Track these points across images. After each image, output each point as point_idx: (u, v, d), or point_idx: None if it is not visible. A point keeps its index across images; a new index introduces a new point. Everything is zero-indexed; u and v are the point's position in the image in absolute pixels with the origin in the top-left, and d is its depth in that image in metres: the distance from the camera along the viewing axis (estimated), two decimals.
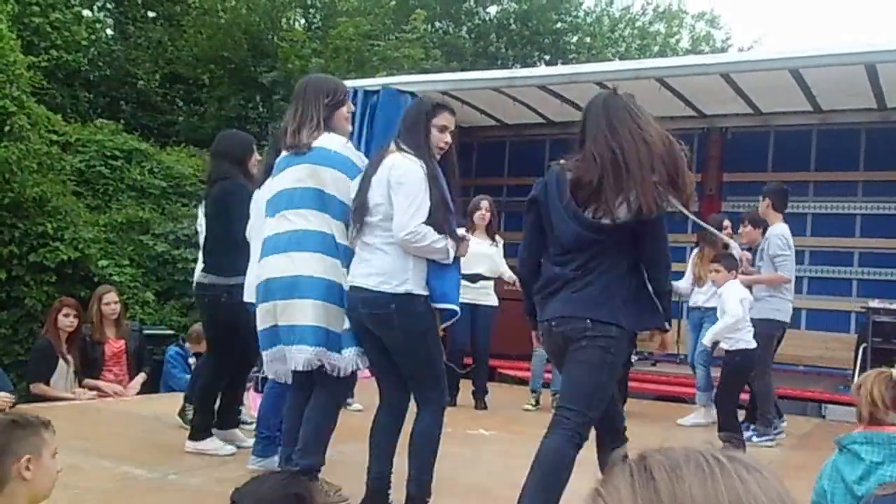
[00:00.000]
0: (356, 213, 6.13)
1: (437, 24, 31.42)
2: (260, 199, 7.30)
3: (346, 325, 6.35)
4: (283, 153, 6.61)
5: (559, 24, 31.87)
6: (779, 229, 10.56)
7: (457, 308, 6.32)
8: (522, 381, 13.77)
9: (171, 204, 18.73)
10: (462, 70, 28.35)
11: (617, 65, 19.11)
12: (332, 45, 23.02)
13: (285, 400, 7.04)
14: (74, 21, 21.32)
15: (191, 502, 6.63)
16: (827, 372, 14.26)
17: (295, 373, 6.51)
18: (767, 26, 78.58)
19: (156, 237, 17.28)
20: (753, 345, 9.87)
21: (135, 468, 6.98)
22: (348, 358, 6.37)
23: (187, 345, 12.34)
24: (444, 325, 6.40)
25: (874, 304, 13.45)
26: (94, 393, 10.90)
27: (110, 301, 11.42)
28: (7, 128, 14.33)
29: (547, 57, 32.73)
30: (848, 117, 15.17)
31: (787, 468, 8.93)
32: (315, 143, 6.42)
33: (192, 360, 12.11)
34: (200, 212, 9.03)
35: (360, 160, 6.58)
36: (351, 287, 6.18)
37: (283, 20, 25.79)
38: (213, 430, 8.26)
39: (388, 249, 6.01)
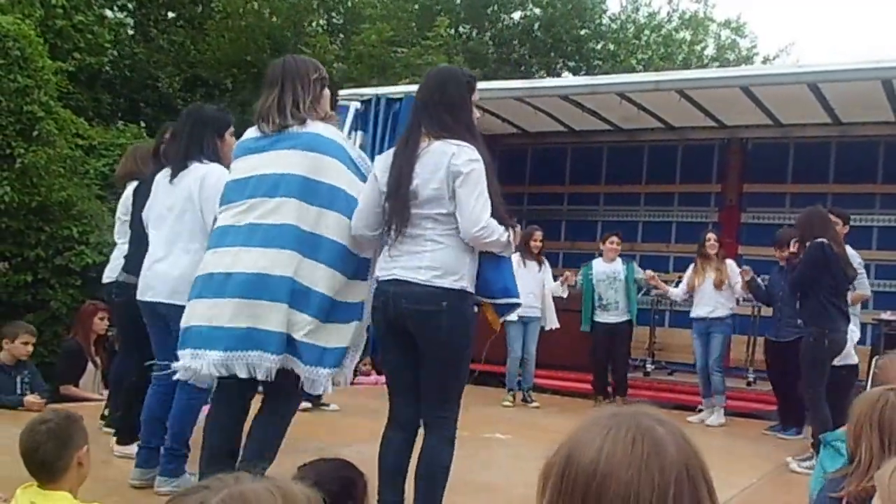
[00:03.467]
0: (398, 205, 5.62)
1: (461, 28, 31.61)
2: (158, 189, 7.21)
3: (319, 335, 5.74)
4: (257, 133, 6.02)
5: (583, 31, 32.04)
6: (851, 250, 11.13)
7: (521, 301, 6.21)
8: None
9: None
10: (484, 76, 28.66)
11: (638, 76, 19.41)
12: (356, 52, 23.28)
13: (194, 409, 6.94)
14: (97, 23, 21.60)
15: None
16: None
17: (225, 384, 5.82)
18: (796, 34, 78.76)
19: None
20: (857, 360, 10.85)
21: None
22: (324, 374, 5.76)
23: None
24: (502, 319, 6.17)
25: (886, 315, 13.80)
26: None
27: None
28: (35, 133, 14.67)
29: (571, 63, 33.00)
30: (866, 130, 15.56)
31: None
32: (307, 129, 5.88)
33: None
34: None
35: (357, 154, 6.14)
36: (386, 281, 5.71)
37: (306, 24, 25.96)
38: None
39: (445, 241, 5.64)
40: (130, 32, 26.18)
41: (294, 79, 6.00)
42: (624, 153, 17.97)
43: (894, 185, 15.87)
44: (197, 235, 6.80)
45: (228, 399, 5.94)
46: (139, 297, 7.12)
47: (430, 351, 5.67)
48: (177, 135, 7.37)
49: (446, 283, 5.60)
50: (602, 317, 13.53)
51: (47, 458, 4.36)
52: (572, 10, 31.25)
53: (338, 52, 23.76)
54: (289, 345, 5.64)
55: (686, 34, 37.46)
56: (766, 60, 38.16)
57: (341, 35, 26.77)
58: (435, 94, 5.78)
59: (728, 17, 38.66)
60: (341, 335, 5.83)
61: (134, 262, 7.66)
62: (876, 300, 15.63)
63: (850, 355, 10.70)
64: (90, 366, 11.46)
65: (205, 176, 6.86)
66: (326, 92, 6.17)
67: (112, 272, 8.74)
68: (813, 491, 4.77)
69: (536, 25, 31.89)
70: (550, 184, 18.25)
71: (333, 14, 28.41)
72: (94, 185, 17.49)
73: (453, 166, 5.54)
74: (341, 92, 16.69)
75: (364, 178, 5.96)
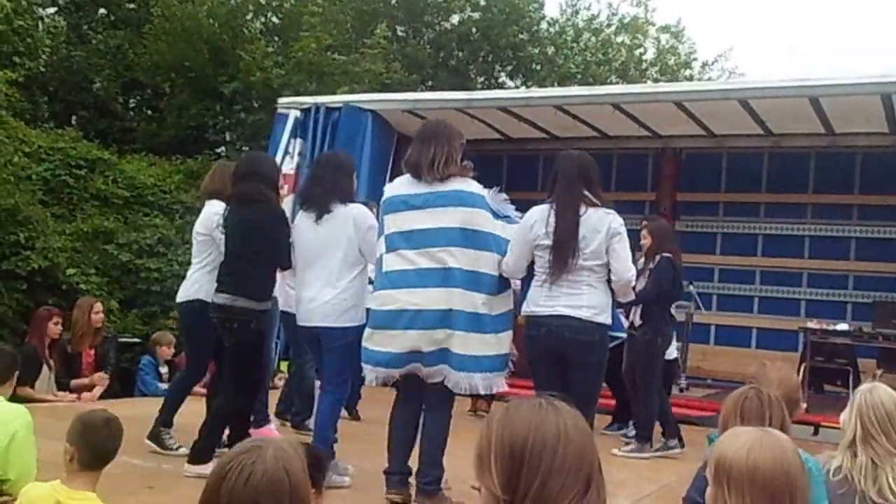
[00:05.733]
0: (563, 254, 7.31)
1: (399, 32, 31.74)
2: (303, 228, 8.26)
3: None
4: (408, 188, 7.53)
5: (521, 36, 32.48)
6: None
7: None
8: None
9: (133, 214, 19.44)
10: (422, 81, 29.26)
11: (573, 90, 19.97)
12: (294, 59, 23.70)
13: (336, 415, 8.31)
14: (34, 26, 21.71)
15: (190, 485, 7.68)
16: None
17: (408, 388, 7.61)
18: (734, 38, 79.83)
19: (120, 247, 18.02)
20: (676, 355, 13.03)
21: (131, 459, 7.86)
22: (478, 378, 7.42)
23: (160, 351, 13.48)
24: None
25: (811, 324, 14.59)
26: (74, 396, 12.07)
27: (99, 310, 12.61)
28: None
29: (508, 68, 33.63)
30: (798, 142, 16.23)
31: None
32: (454, 186, 7.41)
33: (163, 370, 13.26)
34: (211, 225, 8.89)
35: (490, 196, 7.60)
36: (548, 316, 7.40)
37: (244, 30, 26.26)
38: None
39: (598, 286, 7.42)
40: (59, 31, 26.18)
41: (444, 139, 7.55)
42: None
43: (825, 195, 16.64)
44: (348, 268, 8.14)
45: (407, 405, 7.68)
46: (301, 323, 8.38)
47: (581, 370, 7.42)
48: (318, 179, 8.47)
49: (600, 318, 7.40)
50: None
51: (113, 450, 5.21)
52: (510, 14, 31.68)
53: (276, 57, 24.09)
54: (459, 359, 7.29)
55: (625, 38, 37.90)
56: (704, 65, 38.91)
57: (277, 39, 26.98)
58: (584, 175, 7.62)
59: (667, 22, 38.98)
60: (500, 344, 7.44)
61: (227, 282, 8.37)
62: (806, 308, 16.48)
63: (671, 352, 12.25)
64: (45, 369, 12.11)
65: (356, 218, 8.14)
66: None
67: (189, 292, 9.09)
68: None
69: (474, 30, 32.30)
70: (490, 189, 18.62)
71: (270, 15, 28.63)
72: (37, 191, 18.01)
73: (613, 229, 7.39)
74: (281, 100, 17.22)
75: (500, 217, 7.59)
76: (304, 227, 8.27)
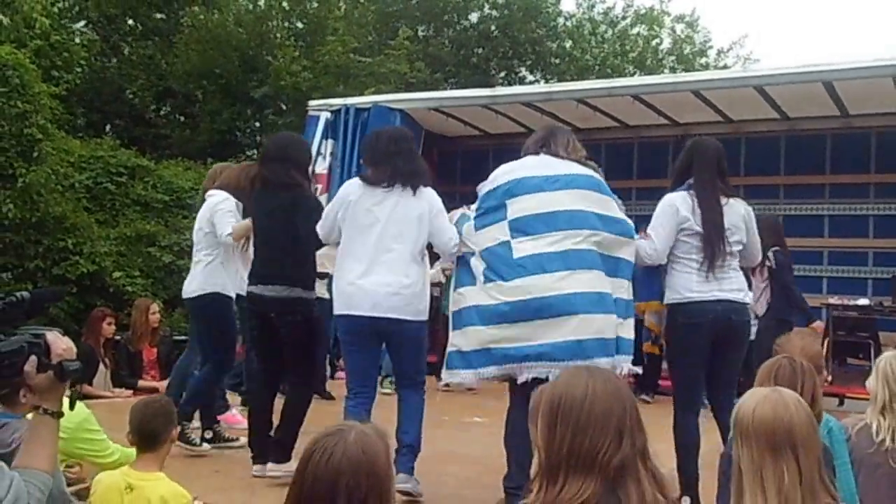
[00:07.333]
0: (715, 244, 7.32)
1: (420, 29, 32.02)
2: (371, 206, 7.41)
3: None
4: (544, 169, 7.23)
5: (539, 32, 32.75)
6: None
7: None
8: None
9: (172, 217, 19.85)
10: (445, 79, 29.53)
11: (593, 83, 20.03)
12: (322, 63, 23.93)
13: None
14: (70, 40, 22.20)
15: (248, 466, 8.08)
16: None
17: (526, 390, 6.41)
18: (749, 24, 79.84)
19: (162, 249, 18.51)
20: None
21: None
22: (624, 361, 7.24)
23: None
24: None
25: (833, 300, 14.87)
26: (130, 392, 12.46)
27: (155, 311, 13.11)
28: (35, 154, 15.71)
29: (528, 62, 33.89)
30: (813, 124, 16.30)
31: None
32: (589, 172, 7.28)
33: None
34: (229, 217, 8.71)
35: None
36: (711, 301, 7.35)
37: (272, 36, 26.55)
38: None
39: (738, 269, 7.58)
40: (94, 44, 26.60)
41: (566, 131, 7.78)
42: None
43: (842, 175, 16.68)
44: (422, 257, 7.63)
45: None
46: (356, 311, 7.35)
47: (737, 350, 7.60)
48: (397, 153, 7.58)
49: (748, 299, 7.66)
50: None
51: (157, 429, 5.45)
52: (528, 10, 31.84)
53: (302, 61, 24.34)
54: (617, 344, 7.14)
55: (641, 29, 38.06)
56: (719, 53, 39.03)
57: (302, 44, 27.19)
58: (720, 165, 7.61)
59: (682, 11, 39.18)
60: (632, 326, 7.38)
61: (277, 273, 7.90)
62: (828, 285, 16.63)
63: None
64: (101, 367, 12.61)
65: (432, 201, 7.55)
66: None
67: (214, 284, 8.90)
68: None
69: (493, 27, 32.56)
70: None
71: (294, 20, 28.78)
72: (82, 198, 18.58)
73: (750, 217, 7.63)
74: (312, 102, 17.48)
75: None
76: (372, 205, 7.49)
